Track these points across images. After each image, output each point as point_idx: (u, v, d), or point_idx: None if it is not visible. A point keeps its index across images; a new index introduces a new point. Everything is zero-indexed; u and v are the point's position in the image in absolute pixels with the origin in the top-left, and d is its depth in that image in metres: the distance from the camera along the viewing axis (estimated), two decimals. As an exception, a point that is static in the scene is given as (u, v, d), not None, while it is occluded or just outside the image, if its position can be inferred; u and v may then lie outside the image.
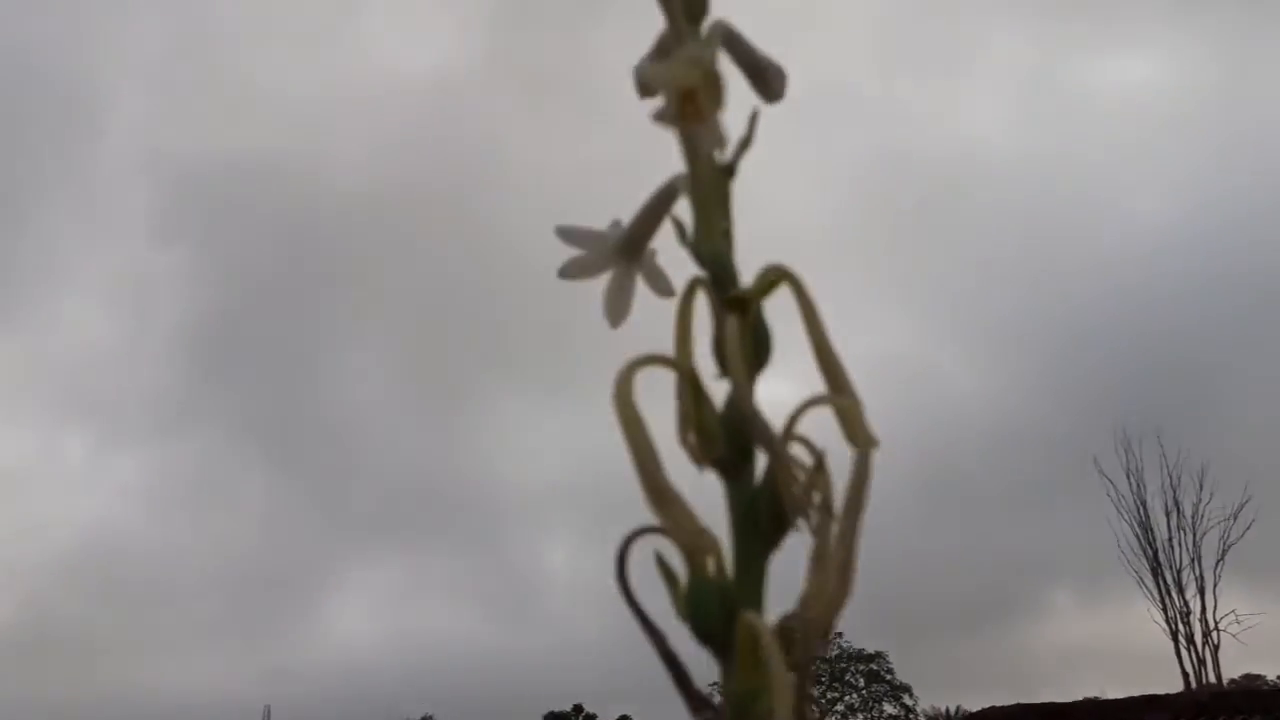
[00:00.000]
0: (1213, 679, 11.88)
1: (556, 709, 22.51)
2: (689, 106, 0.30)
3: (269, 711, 17.48)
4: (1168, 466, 11.99)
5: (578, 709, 23.06)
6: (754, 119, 0.34)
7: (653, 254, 0.40)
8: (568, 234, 0.40)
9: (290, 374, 25.96)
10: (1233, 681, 15.03)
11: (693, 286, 0.34)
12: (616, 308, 0.40)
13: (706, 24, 0.35)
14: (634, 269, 0.40)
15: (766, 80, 0.38)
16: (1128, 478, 12.16)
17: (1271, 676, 21.48)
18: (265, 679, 23.78)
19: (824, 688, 21.07)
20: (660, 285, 0.40)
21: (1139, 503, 12.10)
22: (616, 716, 22.45)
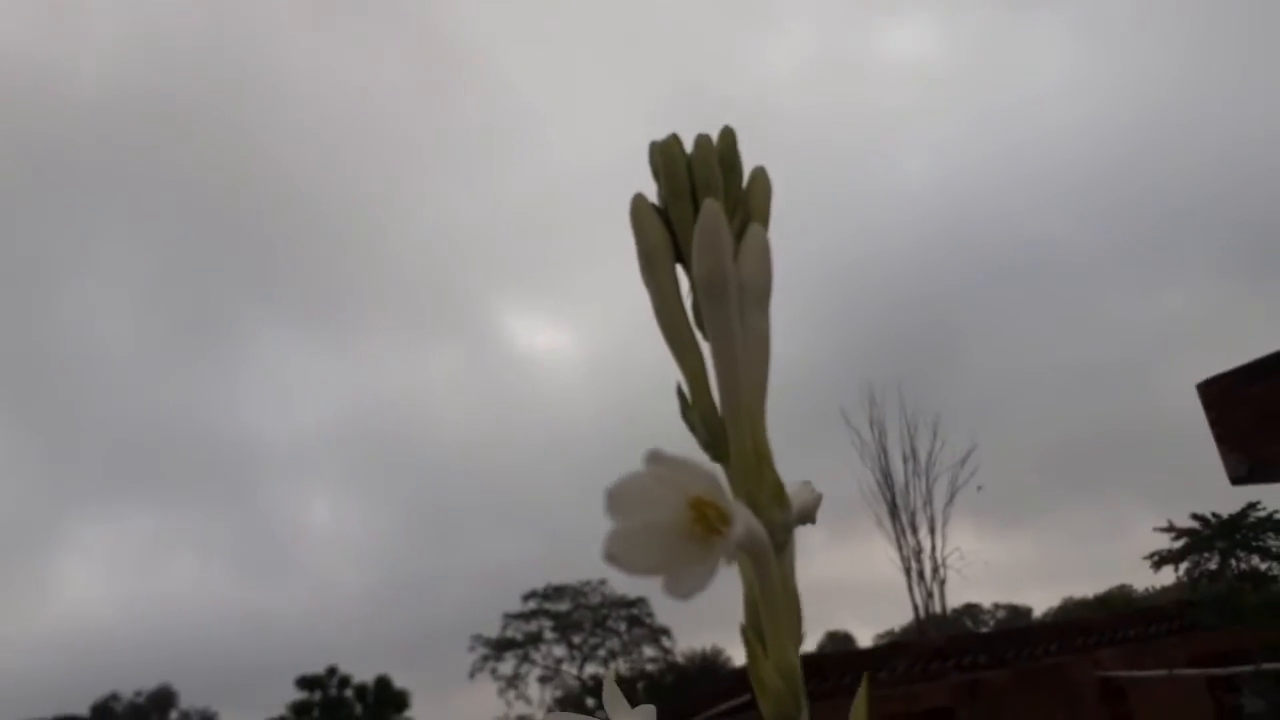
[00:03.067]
0: (939, 610, 14.51)
1: (310, 672, 21.49)
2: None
3: None
4: (906, 417, 13.63)
5: (331, 671, 22.11)
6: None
7: None
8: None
9: (12, 302, 22.05)
10: (955, 611, 18.25)
11: None
12: None
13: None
14: None
15: (811, 519, 0.39)
16: (871, 427, 13.75)
17: (987, 604, 26.00)
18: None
19: (585, 634, 22.08)
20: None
21: (881, 450, 13.82)
22: (375, 677, 21.89)
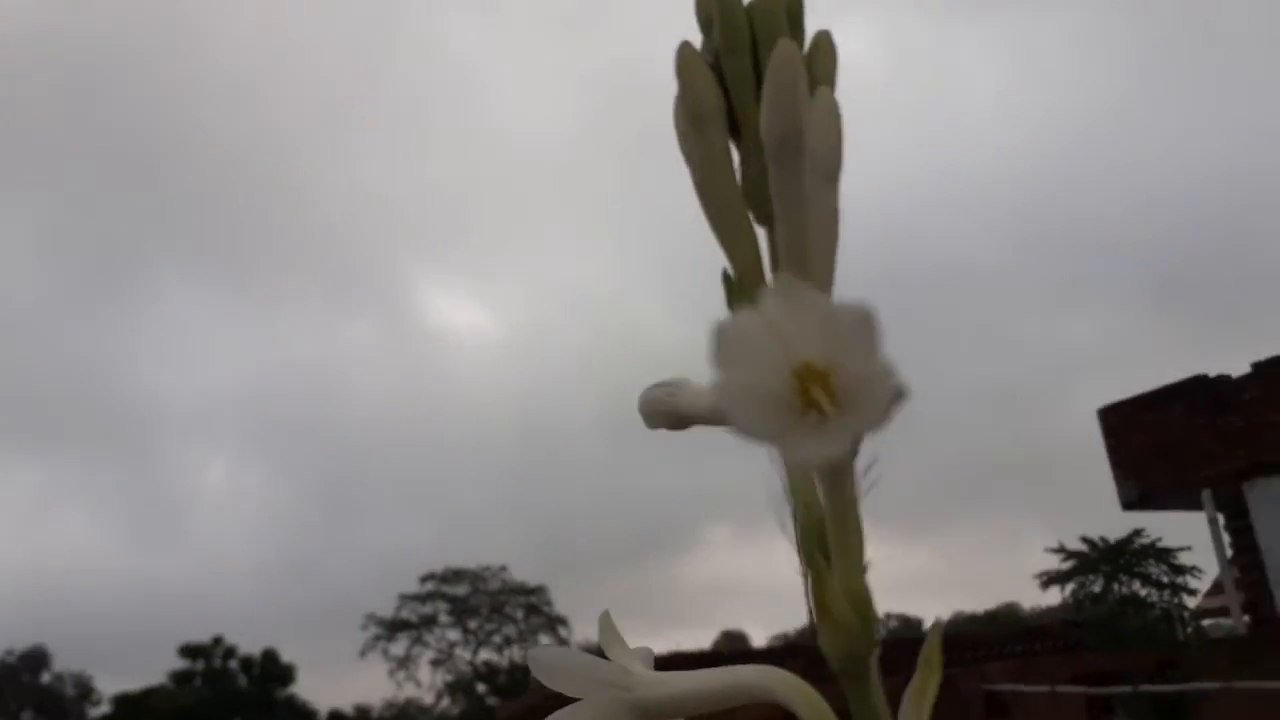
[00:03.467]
0: None
1: (194, 640, 20.97)
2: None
3: None
4: None
5: (217, 641, 21.58)
6: None
7: None
8: (548, 665, 0.31)
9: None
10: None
11: None
12: None
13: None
14: None
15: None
16: None
17: (880, 612, 26.54)
18: None
19: (482, 619, 21.92)
20: None
21: None
22: (262, 649, 21.42)
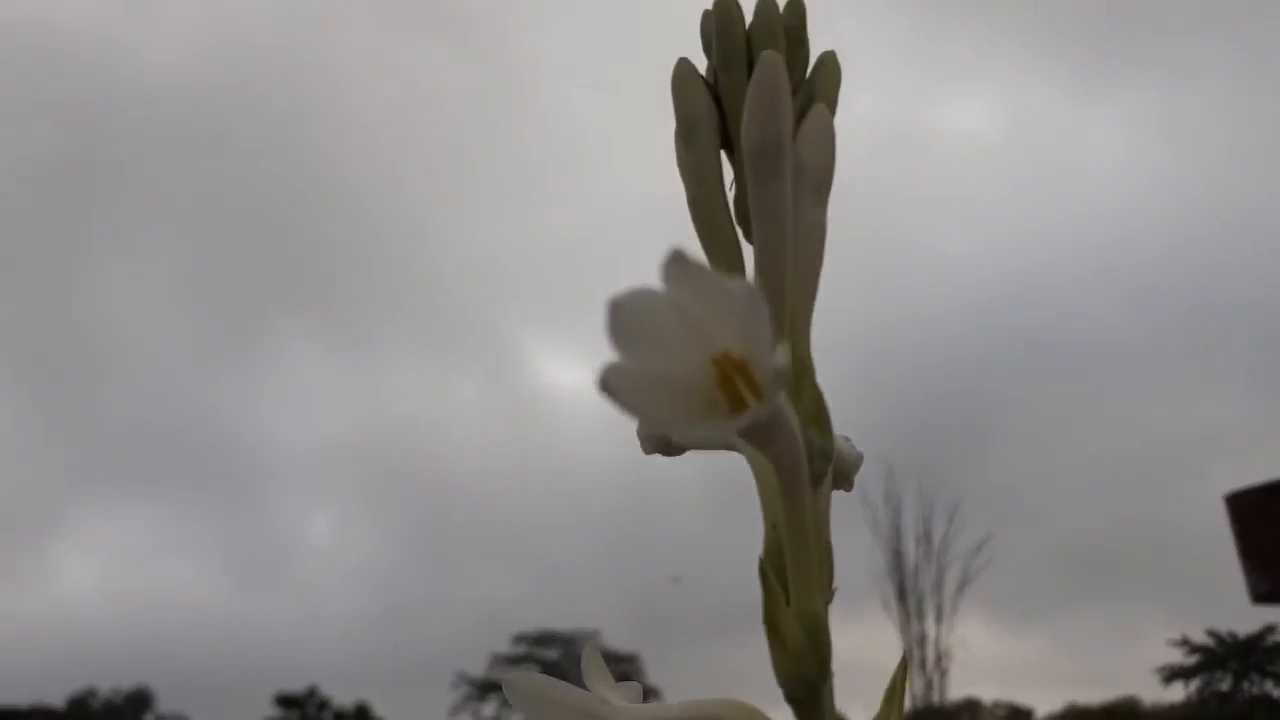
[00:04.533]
0: (937, 701, 14.23)
1: (289, 688, 21.28)
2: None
3: None
4: (924, 498, 12.99)
5: (311, 691, 21.89)
6: None
7: None
8: (523, 693, 0.32)
9: (55, 280, 22.47)
10: (954, 703, 17.94)
11: None
12: None
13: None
14: None
15: (846, 478, 0.34)
16: (886, 504, 13.65)
17: (988, 700, 25.51)
18: (-39, 628, 20.29)
19: (573, 685, 21.78)
20: None
21: (894, 530, 13.67)
22: (353, 702, 21.66)
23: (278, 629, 24.32)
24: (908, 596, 13.35)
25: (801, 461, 0.23)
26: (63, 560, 23.55)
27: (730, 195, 0.29)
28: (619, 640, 23.63)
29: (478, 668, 22.84)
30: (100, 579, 24.39)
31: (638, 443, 0.32)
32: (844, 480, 0.34)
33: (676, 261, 0.17)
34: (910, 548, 13.31)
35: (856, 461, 0.34)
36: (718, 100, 0.29)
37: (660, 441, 0.31)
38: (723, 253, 0.29)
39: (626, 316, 0.18)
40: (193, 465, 24.74)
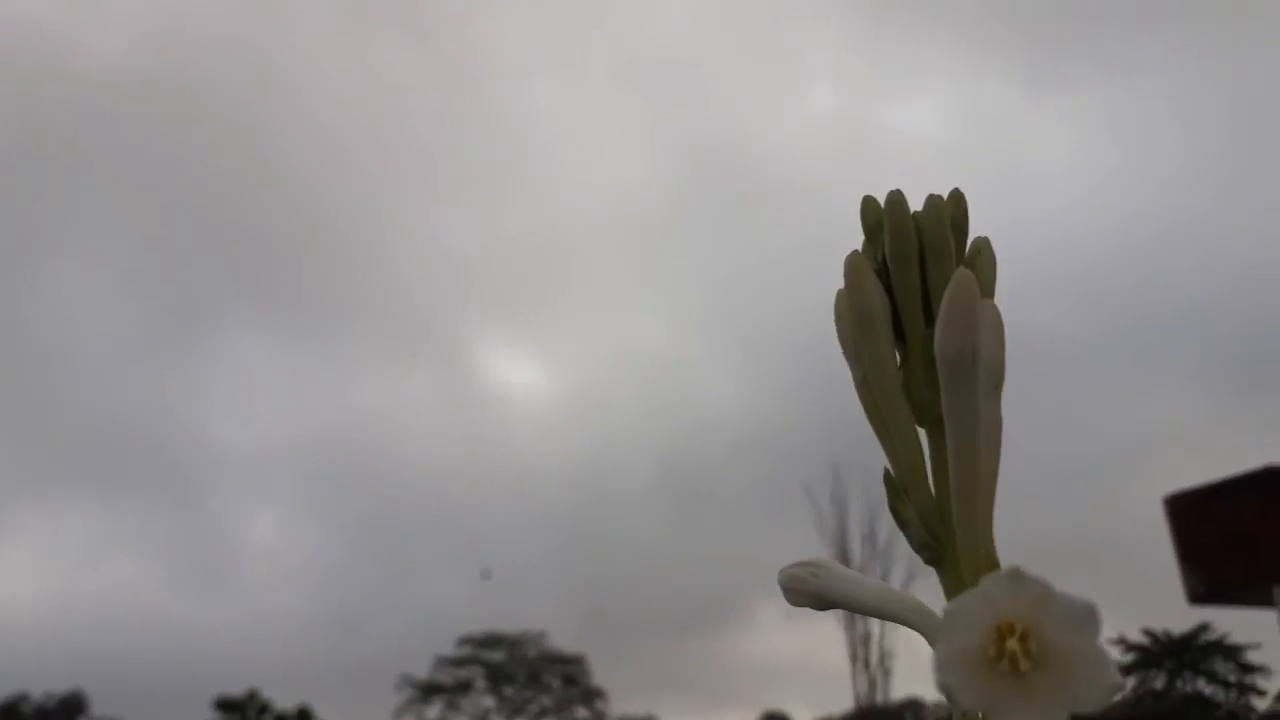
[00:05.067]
0: (880, 700, 14.45)
1: (230, 692, 20.95)
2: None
3: None
4: (869, 497, 13.12)
5: (252, 695, 21.57)
6: None
7: None
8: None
9: (-3, 277, 21.77)
10: (897, 702, 18.13)
11: None
12: None
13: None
14: None
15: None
16: (832, 503, 13.71)
17: (930, 699, 25.82)
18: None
19: (518, 686, 21.68)
20: None
21: (840, 529, 13.83)
22: (295, 705, 21.36)
23: (218, 631, 23.85)
24: (851, 595, 13.47)
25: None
26: (-4, 561, 22.91)
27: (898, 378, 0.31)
28: (565, 641, 23.56)
29: (422, 670, 22.65)
30: (35, 580, 23.72)
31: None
32: None
33: (1015, 576, 0.19)
34: (856, 547, 13.46)
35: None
36: (889, 291, 0.31)
37: (812, 598, 0.33)
38: (900, 436, 0.30)
39: (951, 614, 0.20)
40: (134, 463, 24.15)
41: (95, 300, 23.00)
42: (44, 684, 19.64)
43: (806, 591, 0.33)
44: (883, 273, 0.31)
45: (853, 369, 0.31)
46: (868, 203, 0.32)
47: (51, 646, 21.42)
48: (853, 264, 0.31)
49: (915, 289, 0.31)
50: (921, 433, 0.30)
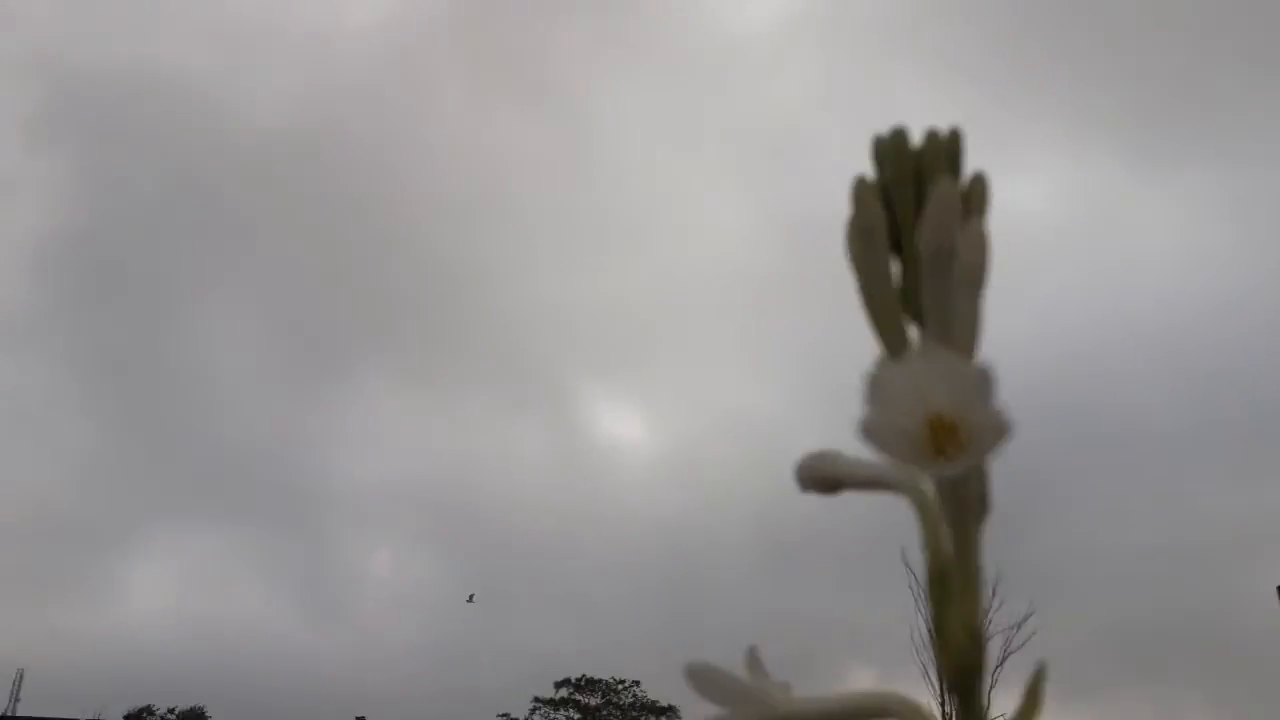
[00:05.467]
0: None
1: (339, 718, 21.29)
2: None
3: (21, 676, 15.48)
4: None
5: (359, 721, 21.96)
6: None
7: None
8: (700, 679, 0.34)
9: (147, 312, 23.32)
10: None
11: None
12: None
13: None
14: None
15: None
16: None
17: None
18: (29, 636, 20.76)
19: (614, 733, 21.63)
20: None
21: None
22: (399, 736, 21.67)
23: (332, 659, 24.45)
24: (945, 669, 12.96)
25: (976, 500, 0.30)
26: (134, 580, 24.01)
27: (897, 286, 0.36)
28: (659, 692, 23.38)
29: (520, 709, 22.75)
30: (166, 600, 24.77)
31: (799, 483, 0.37)
32: None
33: (923, 348, 0.24)
34: (953, 619, 12.95)
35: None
36: (890, 210, 0.36)
37: (821, 481, 0.37)
38: (891, 330, 0.35)
39: (876, 382, 0.25)
40: (264, 495, 25.15)
41: (237, 342, 24.19)
42: (168, 699, 20.42)
43: (815, 477, 0.37)
44: (885, 195, 0.36)
45: (856, 278, 0.36)
46: (877, 139, 0.37)
47: (177, 664, 22.32)
48: (859, 184, 0.36)
49: (910, 206, 0.35)
50: (911, 330, 0.35)
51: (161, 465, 24.22)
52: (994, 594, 12.56)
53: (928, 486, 0.30)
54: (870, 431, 0.24)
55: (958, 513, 0.30)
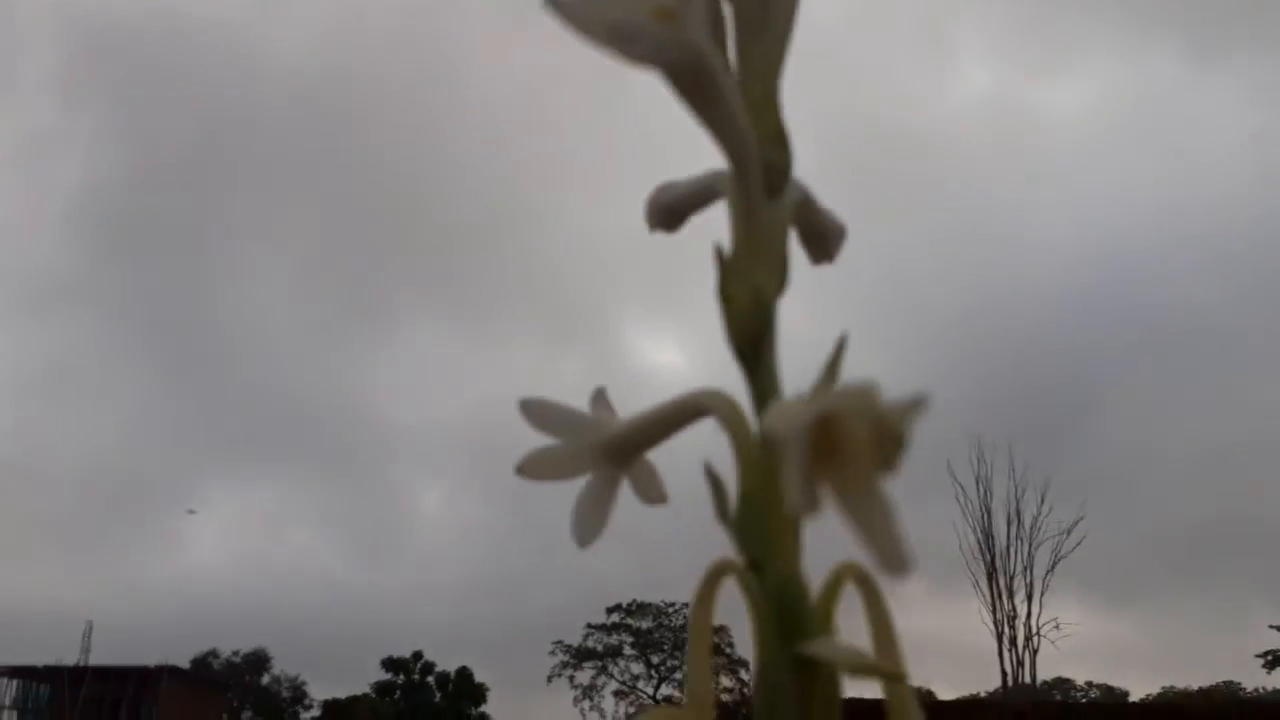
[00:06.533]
0: (1028, 680, 13.71)
1: (396, 654, 21.94)
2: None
3: (91, 628, 16.07)
4: (1015, 477, 13.00)
5: (417, 656, 22.55)
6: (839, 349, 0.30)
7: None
8: (535, 412, 0.33)
9: (189, 262, 23.62)
10: (1045, 683, 17.35)
11: (717, 573, 0.29)
12: (589, 523, 0.33)
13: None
14: (619, 474, 0.33)
15: (825, 243, 0.35)
16: (976, 484, 13.16)
17: (1080, 680, 24.83)
18: (95, 588, 21.51)
19: (664, 655, 21.96)
20: (652, 492, 0.34)
21: (984, 509, 13.08)
22: (456, 667, 22.23)
23: (387, 597, 25.10)
24: (998, 576, 12.99)
25: (741, 137, 0.28)
26: (191, 530, 24.67)
27: None
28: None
29: (574, 637, 23.28)
30: (224, 547, 25.41)
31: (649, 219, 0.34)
32: (820, 242, 0.35)
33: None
34: (1001, 527, 12.98)
35: (836, 230, 0.35)
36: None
37: (663, 210, 0.34)
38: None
39: None
40: (314, 440, 25.53)
41: (279, 286, 24.39)
42: (232, 643, 21.17)
43: (656, 207, 0.34)
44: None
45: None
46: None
47: (238, 608, 23.07)
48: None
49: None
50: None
51: (213, 415, 24.73)
52: (1043, 500, 12.54)
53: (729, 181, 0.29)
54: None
55: (732, 157, 0.29)
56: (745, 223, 0.30)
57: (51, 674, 15.26)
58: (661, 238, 0.34)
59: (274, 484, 27.05)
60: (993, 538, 13.00)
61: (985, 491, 13.21)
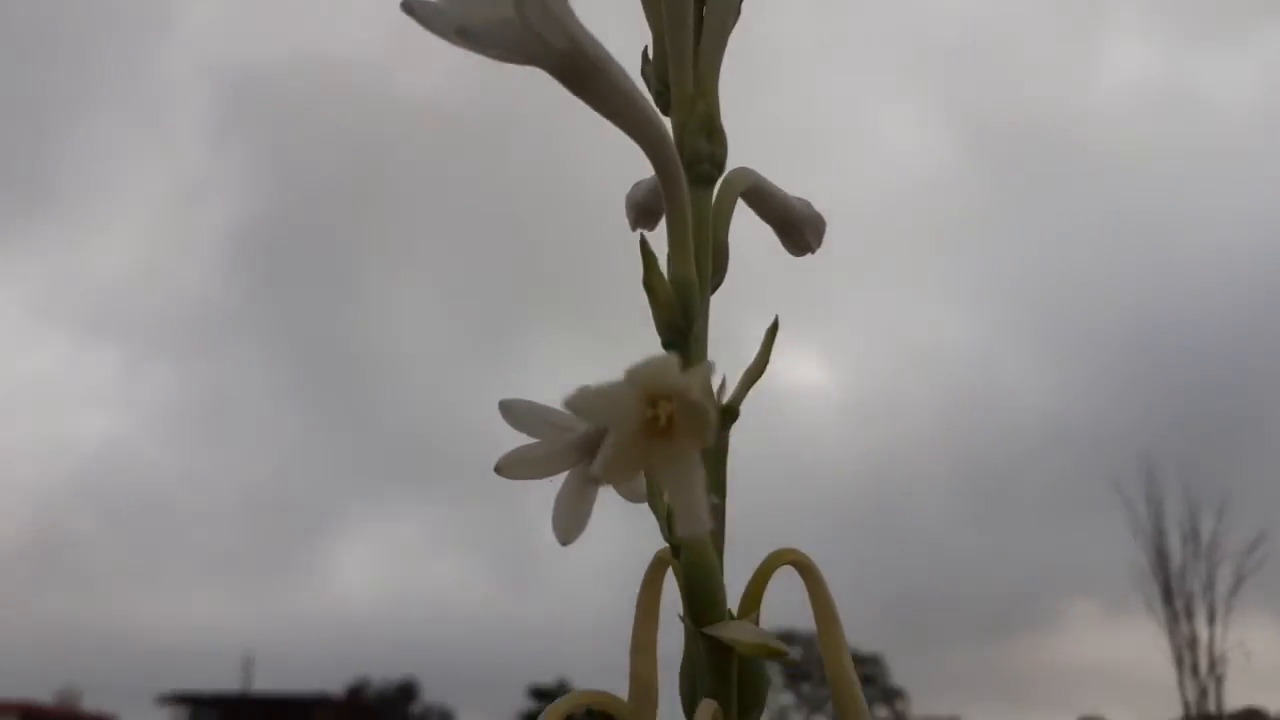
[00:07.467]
0: (1213, 709, 12.64)
1: (542, 681, 22.26)
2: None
3: (252, 660, 16.58)
4: (1188, 494, 12.29)
5: (562, 685, 22.78)
6: (771, 335, 0.34)
7: None
8: (513, 412, 0.35)
9: (334, 295, 24.77)
10: (1234, 714, 16.12)
11: (661, 562, 0.33)
12: (568, 520, 0.34)
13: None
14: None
15: (800, 234, 0.36)
16: (1146, 502, 12.47)
17: (1273, 709, 23.20)
18: (253, 620, 22.54)
19: (814, 684, 21.53)
20: (634, 490, 0.35)
21: (1156, 528, 12.39)
22: (602, 696, 22.34)
23: (534, 624, 25.51)
24: (1174, 597, 12.35)
25: (646, 126, 0.29)
26: (340, 559, 25.71)
27: None
28: (860, 641, 23.24)
29: (720, 667, 23.04)
30: (372, 576, 26.37)
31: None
32: (792, 232, 0.36)
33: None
34: (1175, 545, 12.32)
35: (808, 218, 0.36)
36: None
37: (639, 212, 0.36)
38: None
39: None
40: (456, 467, 26.33)
41: (419, 314, 25.33)
42: (382, 671, 21.84)
43: (631, 205, 0.36)
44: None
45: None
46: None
47: (388, 638, 23.80)
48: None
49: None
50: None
51: (352, 444, 25.72)
52: (1220, 517, 11.89)
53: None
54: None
55: (651, 154, 0.30)
56: (669, 213, 0.31)
57: (218, 702, 16.08)
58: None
59: (419, 512, 28.01)
60: (1167, 558, 12.37)
61: (1156, 509, 12.59)
